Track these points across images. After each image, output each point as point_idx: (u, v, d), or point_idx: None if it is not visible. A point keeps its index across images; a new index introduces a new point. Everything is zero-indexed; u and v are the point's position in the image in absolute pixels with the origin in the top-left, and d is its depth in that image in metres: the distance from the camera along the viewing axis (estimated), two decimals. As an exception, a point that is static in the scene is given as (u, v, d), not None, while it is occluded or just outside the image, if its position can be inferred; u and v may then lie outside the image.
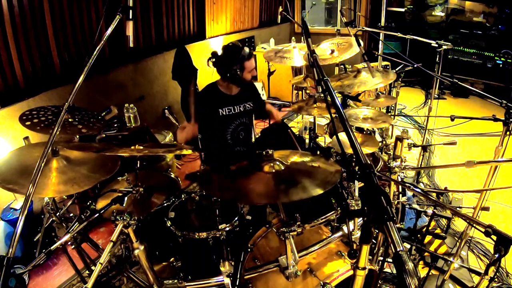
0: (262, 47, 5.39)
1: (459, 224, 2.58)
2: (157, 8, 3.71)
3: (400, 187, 2.14)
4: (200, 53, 4.30)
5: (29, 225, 2.38)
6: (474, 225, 1.03)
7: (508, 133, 1.50)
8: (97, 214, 1.35)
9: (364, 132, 2.40)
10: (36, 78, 2.67)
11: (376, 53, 3.84)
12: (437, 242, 2.41)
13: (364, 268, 0.86)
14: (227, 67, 2.11)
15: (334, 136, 2.18)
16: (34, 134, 1.59)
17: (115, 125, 2.85)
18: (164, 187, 1.75)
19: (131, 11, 1.21)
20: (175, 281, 1.46)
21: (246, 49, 2.14)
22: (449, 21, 5.73)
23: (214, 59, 2.15)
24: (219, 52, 2.17)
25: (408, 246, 2.21)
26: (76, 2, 2.85)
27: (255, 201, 1.47)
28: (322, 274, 1.44)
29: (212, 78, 2.26)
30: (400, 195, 2.12)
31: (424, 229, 2.12)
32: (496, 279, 2.05)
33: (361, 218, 1.55)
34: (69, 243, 1.54)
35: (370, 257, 1.68)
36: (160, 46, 3.88)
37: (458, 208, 2.33)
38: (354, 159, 0.81)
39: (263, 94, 5.01)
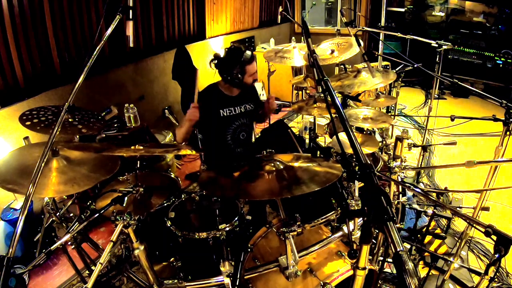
0: (262, 47, 5.38)
1: (459, 224, 2.58)
2: (157, 8, 3.71)
3: (400, 187, 2.14)
4: (200, 53, 4.30)
5: (29, 225, 2.38)
6: (474, 225, 1.03)
7: (508, 133, 1.50)
8: (97, 214, 1.35)
9: (364, 132, 2.40)
10: (36, 78, 2.67)
11: (376, 53, 3.83)
12: (437, 242, 2.41)
13: (364, 268, 0.87)
14: (228, 70, 2.11)
15: (334, 136, 2.18)
16: (34, 134, 1.59)
17: (115, 125, 2.85)
18: (164, 187, 1.75)
19: (131, 11, 1.21)
20: (175, 281, 1.46)
21: (248, 53, 2.11)
22: (449, 21, 5.73)
23: (215, 61, 2.15)
24: (222, 54, 2.17)
25: (408, 246, 2.21)
26: (76, 2, 2.85)
27: (257, 197, 1.47)
28: (322, 274, 1.44)
29: (214, 78, 2.26)
30: (400, 195, 2.12)
31: (424, 229, 2.12)
32: (496, 279, 2.05)
33: (361, 218, 1.54)
34: (69, 243, 1.54)
35: (370, 257, 1.68)
36: (160, 46, 3.88)
37: (458, 208, 2.33)
38: (354, 159, 0.81)
39: (263, 94, 5.01)
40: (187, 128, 2.09)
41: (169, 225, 1.65)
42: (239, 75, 2.10)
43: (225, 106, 2.21)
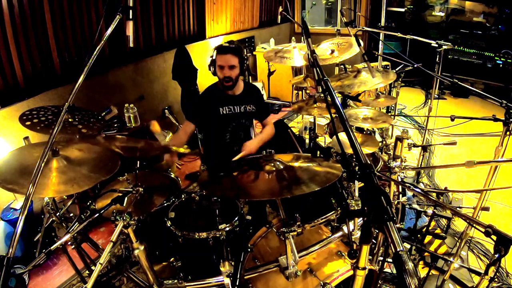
0: (262, 47, 5.38)
1: (459, 224, 2.58)
2: (157, 8, 3.71)
3: (400, 187, 2.14)
4: (200, 53, 4.29)
5: (29, 225, 2.38)
6: (474, 225, 1.03)
7: (508, 133, 1.50)
8: (97, 214, 1.35)
9: (364, 132, 2.40)
10: (36, 78, 2.67)
11: (376, 53, 3.83)
12: (437, 242, 2.41)
13: (364, 268, 0.87)
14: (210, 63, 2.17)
15: (334, 136, 2.18)
16: (34, 134, 1.59)
17: (115, 125, 2.85)
18: (164, 187, 1.75)
19: (131, 11, 1.21)
20: (175, 281, 1.46)
21: (225, 44, 2.14)
22: (449, 21, 5.73)
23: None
24: None
25: (408, 246, 2.21)
26: (76, 2, 2.85)
27: (257, 197, 1.47)
28: (322, 274, 1.44)
29: (215, 78, 2.27)
30: (400, 195, 2.12)
31: (424, 229, 2.12)
32: (496, 279, 2.05)
33: (361, 218, 1.55)
34: (69, 243, 1.54)
35: (370, 257, 1.68)
36: (160, 46, 3.88)
37: (458, 208, 2.33)
38: (354, 159, 0.81)
39: (263, 95, 5.01)
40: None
41: (169, 225, 1.65)
42: (212, 64, 2.15)
43: (225, 104, 2.21)
